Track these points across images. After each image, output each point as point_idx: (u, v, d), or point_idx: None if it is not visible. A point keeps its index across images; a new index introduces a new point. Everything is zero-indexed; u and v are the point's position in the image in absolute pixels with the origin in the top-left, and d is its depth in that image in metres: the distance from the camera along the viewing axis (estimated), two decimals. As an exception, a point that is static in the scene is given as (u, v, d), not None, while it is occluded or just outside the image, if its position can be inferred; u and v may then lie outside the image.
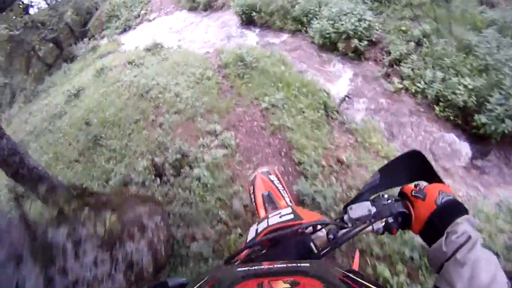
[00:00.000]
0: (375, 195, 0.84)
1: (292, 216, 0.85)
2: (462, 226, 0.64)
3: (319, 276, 0.56)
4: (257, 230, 0.86)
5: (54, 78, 11.68)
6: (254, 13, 8.54)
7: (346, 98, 5.13)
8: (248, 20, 8.85)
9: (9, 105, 12.68)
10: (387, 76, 5.19)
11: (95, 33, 15.28)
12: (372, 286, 0.54)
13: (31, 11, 13.65)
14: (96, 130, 5.79)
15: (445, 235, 0.64)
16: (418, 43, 5.25)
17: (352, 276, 0.59)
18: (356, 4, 6.04)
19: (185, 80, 6.33)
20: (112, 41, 12.02)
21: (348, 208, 0.82)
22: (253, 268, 0.65)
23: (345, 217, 0.82)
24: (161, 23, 11.68)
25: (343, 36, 5.67)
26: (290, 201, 1.46)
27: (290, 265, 0.64)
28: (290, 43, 7.22)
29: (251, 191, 1.49)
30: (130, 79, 7.16)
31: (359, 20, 5.52)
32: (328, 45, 6.10)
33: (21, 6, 12.35)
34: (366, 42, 5.56)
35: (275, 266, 0.66)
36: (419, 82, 4.57)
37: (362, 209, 0.79)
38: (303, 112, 4.49)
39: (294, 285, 0.52)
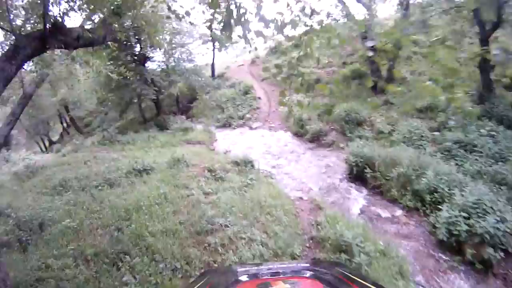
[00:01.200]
0: None
1: None
2: None
3: (319, 276, 0.63)
4: None
5: (137, 137, 11.26)
6: (367, 170, 6.71)
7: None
8: (358, 175, 7.03)
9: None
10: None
11: (196, 115, 15.75)
12: (372, 286, 0.60)
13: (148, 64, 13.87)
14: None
15: None
16: None
17: (352, 276, 0.64)
18: (497, 195, 4.81)
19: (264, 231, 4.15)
20: (207, 132, 11.53)
21: None
22: (253, 268, 0.73)
23: None
24: (261, 137, 10.87)
25: (476, 240, 4.28)
26: None
27: (290, 265, 0.76)
28: (403, 224, 5.44)
29: None
30: (197, 197, 5.36)
31: (499, 221, 4.27)
32: (453, 246, 4.61)
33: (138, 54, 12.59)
34: (501, 254, 4.19)
35: (275, 266, 0.76)
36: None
37: None
38: None
39: (294, 285, 0.58)
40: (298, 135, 10.50)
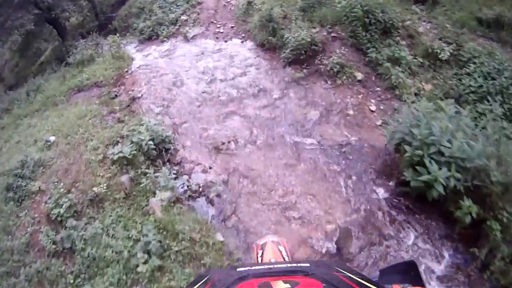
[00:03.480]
0: None
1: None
2: None
3: (319, 276, 0.57)
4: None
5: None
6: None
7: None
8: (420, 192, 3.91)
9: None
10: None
11: (119, 27, 10.72)
12: (372, 286, 0.54)
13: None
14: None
15: None
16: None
17: (352, 276, 0.59)
18: None
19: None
20: (119, 57, 7.23)
21: None
22: (254, 268, 0.66)
23: None
24: (201, 55, 6.78)
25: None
26: None
27: (290, 265, 0.67)
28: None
29: (259, 254, 1.48)
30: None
31: None
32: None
33: None
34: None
35: (275, 266, 0.69)
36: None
37: None
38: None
39: (294, 285, 0.52)
40: (267, 49, 6.45)
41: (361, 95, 5.12)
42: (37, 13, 8.93)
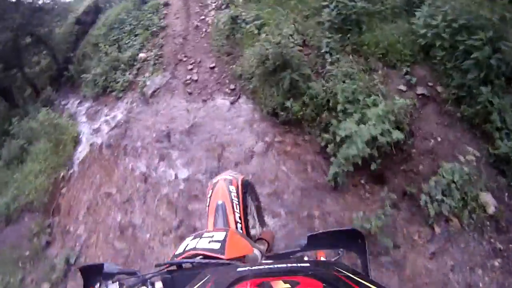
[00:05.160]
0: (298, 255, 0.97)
1: (218, 246, 0.89)
2: None
3: (319, 276, 0.57)
4: (185, 247, 0.91)
5: None
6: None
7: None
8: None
9: None
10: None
11: (76, 72, 8.07)
12: (372, 286, 0.53)
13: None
14: None
15: None
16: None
17: (352, 276, 0.58)
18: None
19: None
20: (56, 142, 4.90)
21: None
22: (253, 268, 0.66)
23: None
24: (164, 139, 3.96)
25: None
26: (240, 218, 1.39)
27: (290, 265, 0.65)
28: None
29: (209, 194, 1.47)
30: None
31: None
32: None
33: None
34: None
35: (275, 266, 0.68)
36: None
37: None
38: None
39: (294, 285, 0.52)
40: (286, 123, 3.43)
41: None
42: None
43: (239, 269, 0.64)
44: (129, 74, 5.66)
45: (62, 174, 4.73)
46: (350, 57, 3.43)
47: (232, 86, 3.95)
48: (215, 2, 5.82)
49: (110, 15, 7.92)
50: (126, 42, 6.52)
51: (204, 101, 4.00)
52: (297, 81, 3.18)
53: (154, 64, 5.18)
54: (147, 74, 5.21)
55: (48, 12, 8.62)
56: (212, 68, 4.37)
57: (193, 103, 4.07)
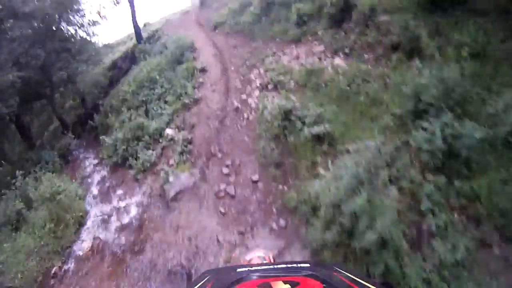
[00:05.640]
0: None
1: None
2: None
3: (319, 276, 0.56)
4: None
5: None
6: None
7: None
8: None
9: None
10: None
11: (101, 124, 7.58)
12: (372, 286, 0.52)
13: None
14: None
15: None
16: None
17: (352, 277, 0.57)
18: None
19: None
20: (58, 219, 4.62)
21: None
22: (253, 268, 0.66)
23: None
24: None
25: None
26: None
27: (290, 265, 0.67)
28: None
29: None
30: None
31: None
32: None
33: None
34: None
35: (275, 266, 0.69)
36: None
37: None
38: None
39: (294, 285, 0.51)
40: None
41: None
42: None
43: (239, 269, 0.65)
44: (153, 151, 4.86)
45: (55, 269, 4.04)
46: (456, 216, 2.34)
47: (282, 222, 2.90)
48: (259, 79, 5.05)
49: (142, 71, 7.48)
50: (154, 108, 5.84)
51: (241, 234, 2.97)
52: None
53: (182, 152, 4.32)
54: (171, 162, 4.36)
55: (78, 53, 8.38)
56: (255, 182, 3.39)
57: (226, 232, 3.06)
